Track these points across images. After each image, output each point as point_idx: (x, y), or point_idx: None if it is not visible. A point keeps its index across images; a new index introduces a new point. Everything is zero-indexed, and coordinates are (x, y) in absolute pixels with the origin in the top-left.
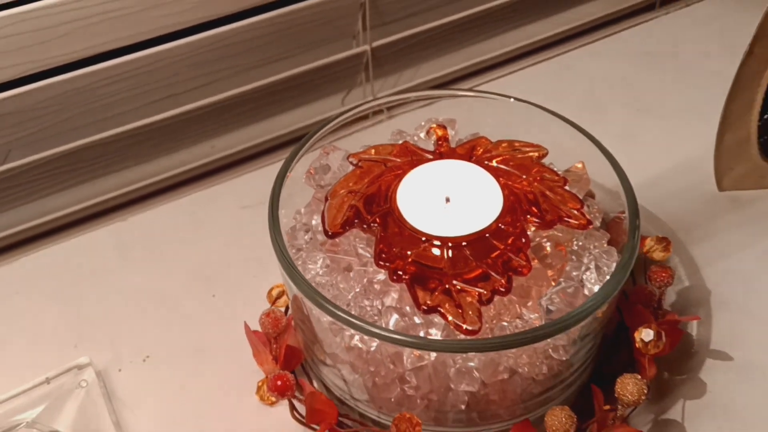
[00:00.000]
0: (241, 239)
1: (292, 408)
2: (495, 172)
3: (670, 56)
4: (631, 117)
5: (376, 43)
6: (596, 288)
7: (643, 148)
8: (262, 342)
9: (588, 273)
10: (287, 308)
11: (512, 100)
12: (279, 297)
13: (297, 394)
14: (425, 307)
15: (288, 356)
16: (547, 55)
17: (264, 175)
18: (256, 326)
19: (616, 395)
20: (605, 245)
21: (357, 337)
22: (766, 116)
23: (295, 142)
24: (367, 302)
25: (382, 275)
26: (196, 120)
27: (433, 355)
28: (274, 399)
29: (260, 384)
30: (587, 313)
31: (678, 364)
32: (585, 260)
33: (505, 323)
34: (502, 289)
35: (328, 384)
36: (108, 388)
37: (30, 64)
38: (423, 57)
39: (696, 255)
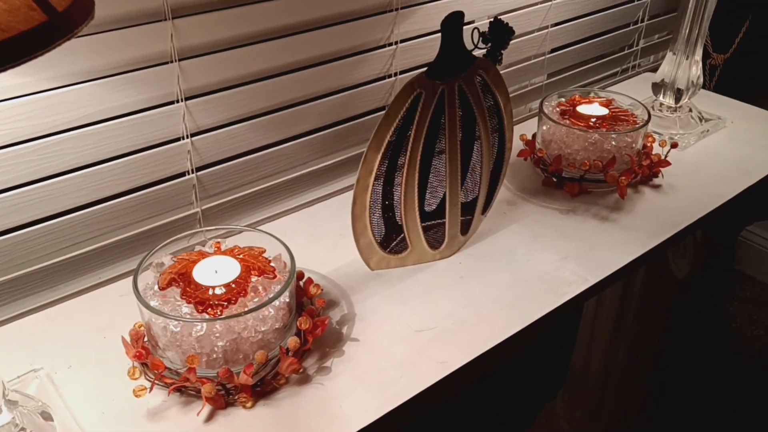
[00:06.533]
0: (122, 305)
1: (144, 372)
2: (239, 260)
3: None
4: (335, 239)
5: (204, 207)
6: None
7: (341, 253)
8: (130, 345)
9: (272, 294)
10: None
11: (254, 230)
12: (139, 328)
13: (147, 363)
14: (200, 309)
15: (142, 352)
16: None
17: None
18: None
19: (288, 347)
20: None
21: (172, 325)
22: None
23: None
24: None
25: (185, 305)
26: (93, 257)
27: (204, 327)
28: (137, 376)
29: (129, 369)
30: (259, 308)
31: (333, 343)
32: (272, 291)
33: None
34: (234, 302)
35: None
36: (51, 378)
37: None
38: (236, 213)
39: (354, 300)
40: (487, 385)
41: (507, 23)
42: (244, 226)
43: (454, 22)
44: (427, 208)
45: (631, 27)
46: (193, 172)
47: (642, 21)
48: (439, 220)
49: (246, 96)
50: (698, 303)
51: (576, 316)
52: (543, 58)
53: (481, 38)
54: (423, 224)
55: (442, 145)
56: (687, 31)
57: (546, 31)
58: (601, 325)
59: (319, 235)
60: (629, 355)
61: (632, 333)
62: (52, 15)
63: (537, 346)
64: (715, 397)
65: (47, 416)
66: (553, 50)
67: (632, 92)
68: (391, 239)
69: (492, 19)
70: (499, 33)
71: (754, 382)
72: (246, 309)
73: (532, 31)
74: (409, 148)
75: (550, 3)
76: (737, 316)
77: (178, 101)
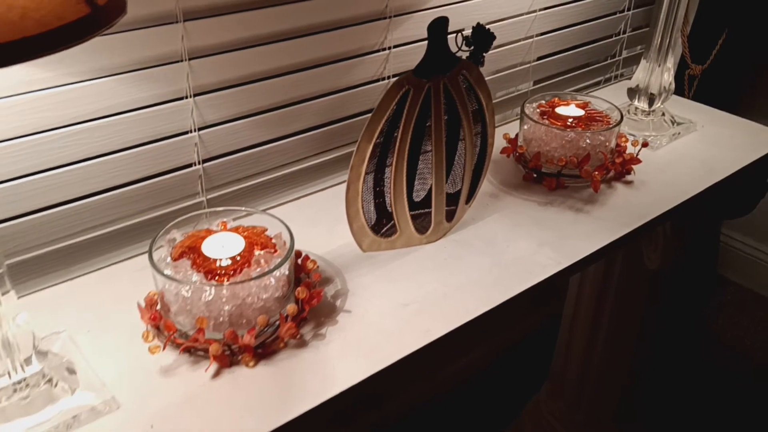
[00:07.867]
0: (137, 279)
1: (157, 336)
2: (244, 236)
3: None
4: (331, 226)
5: (209, 196)
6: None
7: (336, 237)
8: (145, 310)
9: (273, 266)
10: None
11: (257, 212)
12: (153, 296)
13: (160, 326)
14: (209, 278)
15: (156, 315)
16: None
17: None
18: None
19: (287, 313)
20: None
21: (184, 290)
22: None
23: None
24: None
25: (195, 274)
26: (109, 239)
27: (213, 292)
28: (150, 339)
29: (143, 333)
30: (261, 276)
31: (328, 314)
32: (273, 263)
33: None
34: (239, 272)
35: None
36: (73, 339)
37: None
38: (239, 204)
39: (347, 278)
40: (475, 381)
41: (488, 29)
42: (248, 209)
43: (439, 26)
44: (415, 198)
45: (614, 38)
46: (199, 164)
47: (624, 33)
48: (427, 210)
49: (250, 94)
50: (680, 305)
51: (557, 314)
52: (529, 65)
53: (464, 42)
54: (411, 213)
55: (429, 140)
56: (659, 40)
57: (531, 40)
58: (579, 321)
59: (317, 222)
60: (607, 351)
61: (610, 329)
62: (95, 8)
63: (521, 342)
64: (694, 397)
65: (71, 370)
66: (539, 58)
67: (611, 97)
68: (381, 224)
69: (475, 25)
70: (481, 37)
71: (734, 381)
72: (250, 277)
73: (518, 40)
74: (398, 140)
75: (534, 14)
76: (719, 318)
77: (187, 97)
